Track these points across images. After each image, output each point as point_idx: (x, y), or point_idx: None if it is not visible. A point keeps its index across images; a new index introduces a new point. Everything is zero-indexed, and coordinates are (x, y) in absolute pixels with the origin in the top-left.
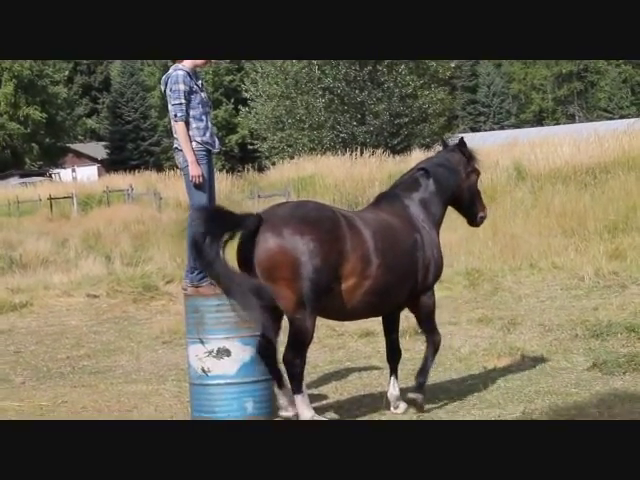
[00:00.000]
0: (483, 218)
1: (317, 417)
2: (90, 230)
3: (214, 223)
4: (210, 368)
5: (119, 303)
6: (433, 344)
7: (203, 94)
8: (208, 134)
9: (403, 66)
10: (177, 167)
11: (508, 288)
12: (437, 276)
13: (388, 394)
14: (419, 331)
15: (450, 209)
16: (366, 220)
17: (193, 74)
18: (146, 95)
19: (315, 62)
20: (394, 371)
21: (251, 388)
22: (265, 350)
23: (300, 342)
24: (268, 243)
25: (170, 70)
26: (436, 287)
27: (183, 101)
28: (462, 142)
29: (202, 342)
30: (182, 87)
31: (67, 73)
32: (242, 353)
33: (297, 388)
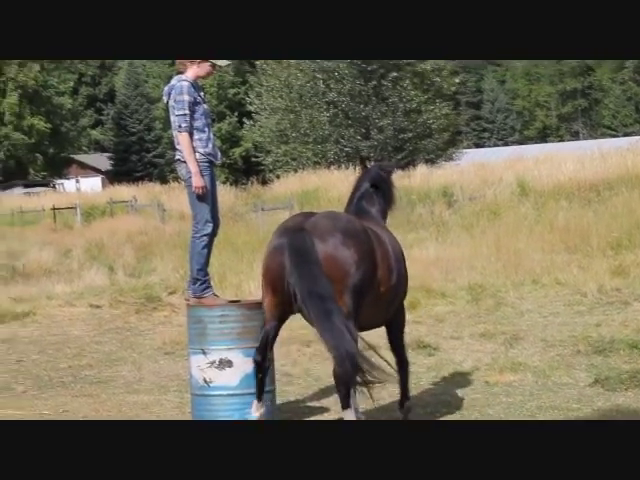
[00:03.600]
0: None
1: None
2: (93, 241)
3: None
4: (212, 379)
5: (121, 314)
6: (404, 365)
7: (205, 105)
8: (210, 145)
9: (408, 81)
10: (180, 179)
11: (511, 303)
12: (407, 288)
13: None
14: (393, 348)
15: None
16: (382, 232)
17: (196, 85)
18: (150, 107)
19: (320, 76)
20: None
21: (253, 399)
22: (261, 363)
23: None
24: (320, 255)
25: (173, 81)
26: (439, 301)
27: (187, 112)
28: (390, 166)
29: (204, 353)
30: (187, 98)
31: (72, 84)
32: (244, 364)
33: (345, 403)
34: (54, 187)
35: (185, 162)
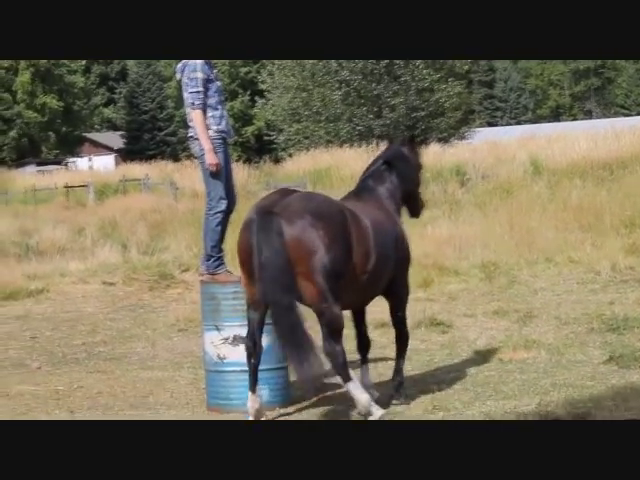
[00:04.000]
0: (422, 209)
1: (373, 402)
2: (106, 219)
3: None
4: (226, 355)
5: (135, 291)
6: (402, 339)
7: (219, 83)
8: (224, 123)
9: (420, 60)
10: (193, 157)
11: (524, 281)
12: (409, 263)
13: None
14: (393, 324)
15: None
16: (364, 214)
17: (209, 63)
18: (163, 85)
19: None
20: (365, 360)
21: (267, 376)
22: (252, 350)
23: (335, 330)
24: (286, 238)
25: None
26: (452, 279)
27: (201, 89)
28: (411, 138)
29: (218, 329)
30: (200, 75)
31: (84, 62)
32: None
33: (346, 376)
34: (67, 165)
35: (198, 139)
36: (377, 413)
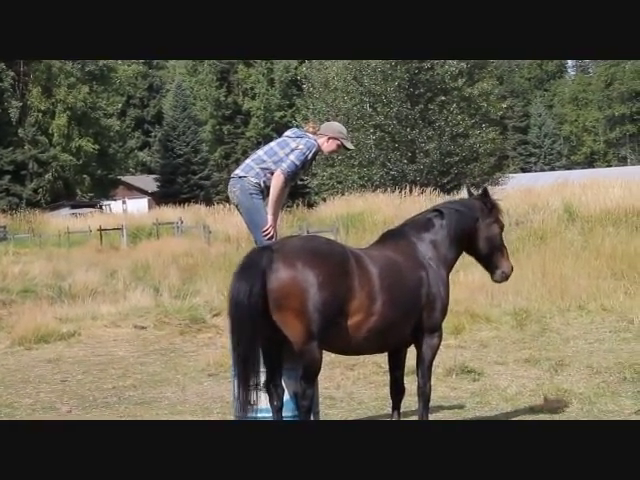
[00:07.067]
0: (505, 275)
1: None
2: (139, 262)
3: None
4: (255, 401)
5: (166, 335)
6: (425, 397)
7: None
8: None
9: (454, 105)
10: (226, 202)
11: (556, 329)
12: (443, 314)
13: None
14: (416, 373)
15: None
16: (373, 257)
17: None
18: (198, 129)
19: (366, 99)
20: (396, 407)
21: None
22: (273, 390)
23: (311, 373)
24: (279, 273)
25: (309, 133)
26: (484, 326)
27: (300, 167)
28: (485, 192)
29: None
30: (309, 157)
31: (120, 106)
32: (288, 387)
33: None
34: (101, 208)
35: (244, 178)
36: None
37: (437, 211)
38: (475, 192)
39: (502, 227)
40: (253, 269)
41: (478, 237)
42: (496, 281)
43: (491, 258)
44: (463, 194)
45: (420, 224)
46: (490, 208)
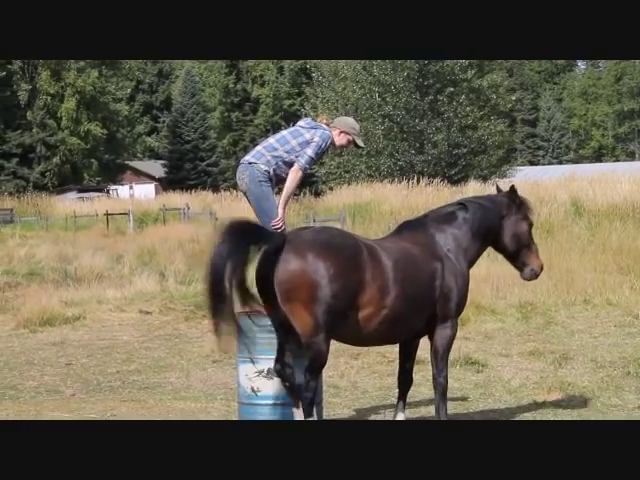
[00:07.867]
0: (534, 272)
1: None
2: (145, 247)
3: (241, 235)
4: (259, 388)
5: (171, 320)
6: (440, 388)
7: None
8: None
9: (464, 97)
10: (233, 189)
11: (561, 323)
12: (459, 306)
13: (394, 419)
14: (431, 364)
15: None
16: (387, 250)
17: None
18: (206, 116)
19: (376, 89)
20: (402, 397)
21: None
22: (282, 371)
23: (316, 366)
24: (290, 264)
25: (323, 125)
26: (489, 318)
27: (315, 159)
28: (513, 189)
29: (253, 362)
30: (324, 149)
31: (129, 91)
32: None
33: (309, 412)
34: (108, 193)
35: (254, 165)
36: None
37: (461, 204)
38: (503, 189)
39: (531, 224)
40: (238, 236)
41: (504, 234)
42: (525, 279)
43: (519, 255)
44: (470, 186)
45: (442, 216)
46: (519, 205)
